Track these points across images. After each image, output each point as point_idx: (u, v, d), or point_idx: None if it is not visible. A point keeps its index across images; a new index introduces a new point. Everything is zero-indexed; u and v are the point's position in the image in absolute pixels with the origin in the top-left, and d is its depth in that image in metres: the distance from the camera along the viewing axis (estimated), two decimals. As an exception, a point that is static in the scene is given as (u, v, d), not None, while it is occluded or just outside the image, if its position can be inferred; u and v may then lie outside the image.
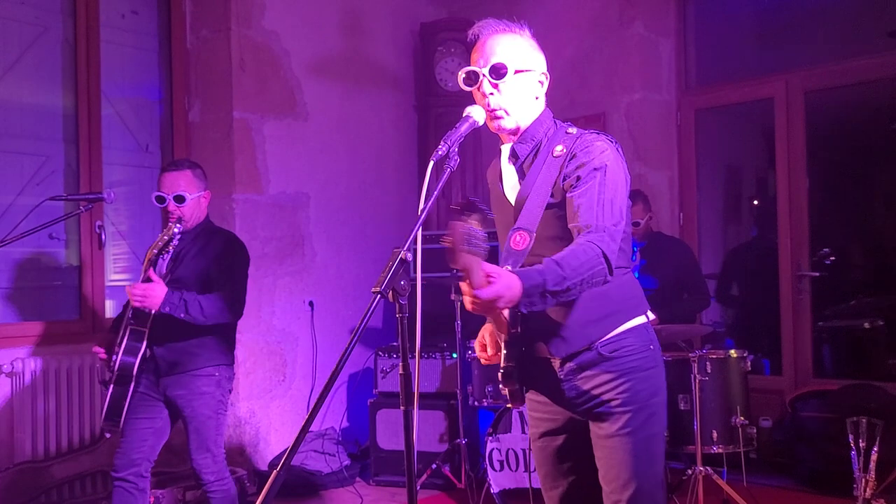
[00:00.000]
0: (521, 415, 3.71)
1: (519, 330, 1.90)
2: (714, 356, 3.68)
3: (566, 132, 2.01)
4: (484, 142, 5.58)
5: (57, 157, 4.35)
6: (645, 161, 5.02)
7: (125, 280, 4.58)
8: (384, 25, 5.54)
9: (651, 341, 2.01)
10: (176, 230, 2.91)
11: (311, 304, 5.00)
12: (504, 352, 1.93)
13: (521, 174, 2.03)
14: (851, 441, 3.06)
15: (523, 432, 3.69)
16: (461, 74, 2.00)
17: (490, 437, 3.78)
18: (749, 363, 3.77)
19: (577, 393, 1.97)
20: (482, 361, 2.16)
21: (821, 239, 4.73)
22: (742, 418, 3.61)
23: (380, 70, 5.52)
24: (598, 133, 1.99)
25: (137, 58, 4.74)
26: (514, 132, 2.03)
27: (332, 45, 5.20)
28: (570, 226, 1.89)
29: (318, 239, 5.08)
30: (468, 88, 2.01)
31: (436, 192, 1.82)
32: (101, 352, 3.06)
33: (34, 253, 4.27)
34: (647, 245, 4.26)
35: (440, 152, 1.83)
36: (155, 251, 2.86)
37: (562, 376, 1.99)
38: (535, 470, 3.60)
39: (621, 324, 1.96)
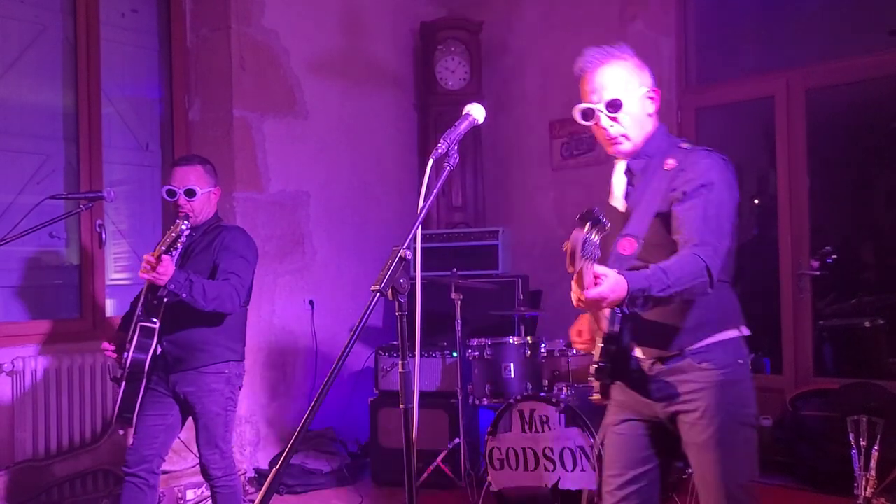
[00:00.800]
0: (521, 414, 3.70)
1: (617, 329, 1.98)
2: (714, 355, 3.67)
3: (679, 146, 2.10)
4: (484, 140, 5.58)
5: (57, 156, 4.35)
6: (645, 160, 5.00)
7: (126, 279, 4.58)
8: (384, 24, 5.53)
9: (741, 356, 2.07)
10: (183, 227, 2.88)
11: (311, 302, 5.00)
12: (600, 345, 2.01)
13: (632, 185, 2.12)
14: (852, 440, 3.05)
15: (523, 431, 3.69)
16: (577, 111, 2.09)
17: (490, 436, 3.78)
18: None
19: (663, 395, 2.06)
20: (576, 348, 2.24)
21: (822, 237, 4.72)
22: (742, 417, 3.60)
23: (380, 69, 5.52)
24: (709, 150, 2.07)
25: (137, 56, 4.74)
26: (631, 152, 2.12)
27: (332, 43, 5.20)
28: (673, 237, 1.97)
29: (318, 237, 5.08)
30: (585, 123, 2.10)
31: (435, 191, 1.83)
32: (109, 348, 3.07)
33: (35, 252, 4.27)
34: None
35: (440, 150, 1.84)
36: (163, 248, 2.84)
37: (651, 375, 2.07)
38: (534, 469, 3.62)
39: (713, 335, 2.04)
